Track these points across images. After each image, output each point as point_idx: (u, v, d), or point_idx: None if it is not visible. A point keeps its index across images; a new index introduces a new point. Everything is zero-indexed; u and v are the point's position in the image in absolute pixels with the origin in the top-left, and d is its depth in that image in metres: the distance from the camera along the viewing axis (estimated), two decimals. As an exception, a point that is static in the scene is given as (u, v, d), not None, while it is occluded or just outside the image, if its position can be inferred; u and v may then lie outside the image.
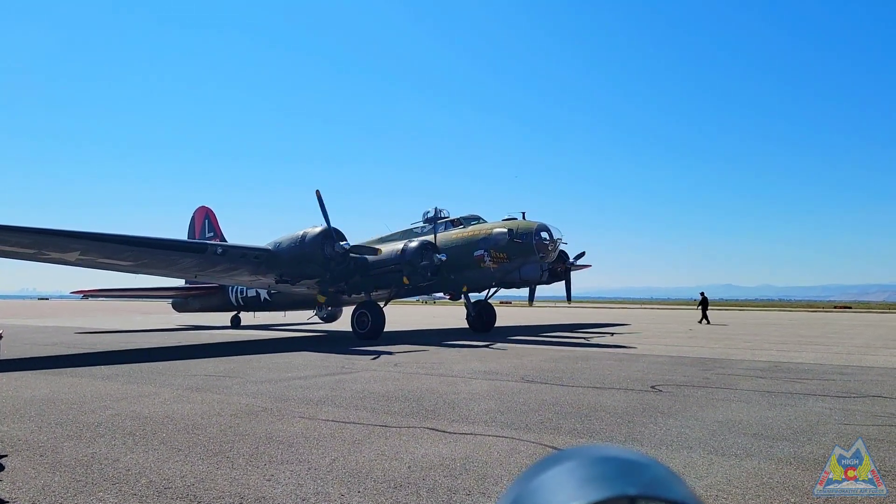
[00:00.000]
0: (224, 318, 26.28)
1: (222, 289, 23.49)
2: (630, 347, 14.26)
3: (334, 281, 17.06)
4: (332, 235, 16.38)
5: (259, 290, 22.12)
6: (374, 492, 3.92)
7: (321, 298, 17.73)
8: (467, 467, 4.43)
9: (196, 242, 16.26)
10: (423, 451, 4.85)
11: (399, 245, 17.34)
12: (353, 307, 17.46)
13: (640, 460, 0.68)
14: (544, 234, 17.67)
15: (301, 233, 16.47)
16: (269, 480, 4.14)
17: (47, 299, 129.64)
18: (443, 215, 19.66)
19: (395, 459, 4.63)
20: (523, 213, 18.57)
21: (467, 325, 20.53)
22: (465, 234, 18.41)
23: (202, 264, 16.08)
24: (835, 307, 69.46)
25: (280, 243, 16.61)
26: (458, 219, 19.39)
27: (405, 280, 16.89)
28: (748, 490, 3.97)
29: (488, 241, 17.76)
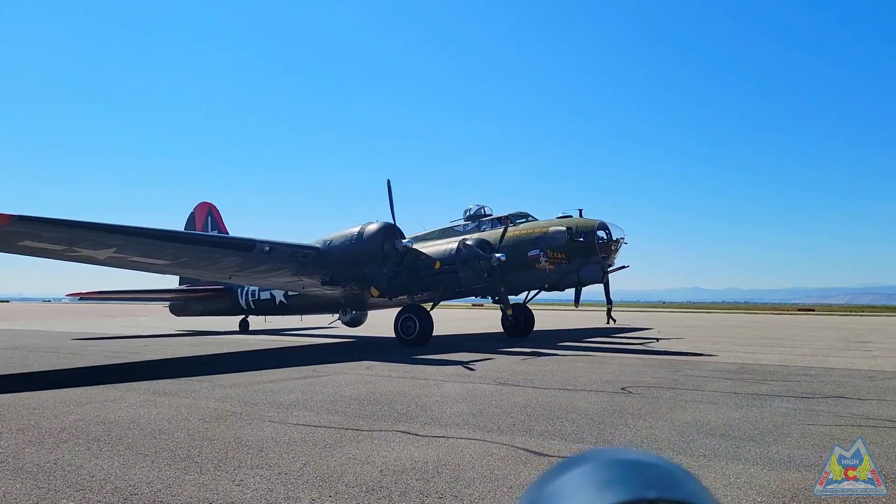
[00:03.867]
0: (227, 322, 24.65)
1: (230, 291, 21.75)
2: (707, 355, 13.03)
3: (390, 282, 15.62)
4: (394, 232, 15.25)
5: (275, 293, 20.54)
6: (346, 496, 3.89)
7: (375, 292, 15.75)
8: (439, 470, 4.42)
9: (244, 239, 14.37)
10: (395, 455, 4.83)
11: (451, 243, 16.04)
12: (398, 311, 15.95)
13: (658, 463, 0.67)
14: (605, 233, 16.60)
15: (357, 229, 15.15)
16: (239, 485, 4.09)
17: (7, 301, 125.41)
18: (486, 212, 18.51)
19: (367, 463, 4.60)
20: (580, 211, 17.31)
21: (502, 329, 19.38)
22: (517, 233, 17.10)
23: (245, 263, 14.74)
24: (798, 310, 70.96)
25: (330, 241, 15.36)
26: (505, 216, 18.02)
27: (461, 280, 15.62)
28: (716, 490, 4.02)
29: (544, 241, 16.56)
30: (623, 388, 8.24)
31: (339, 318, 20.91)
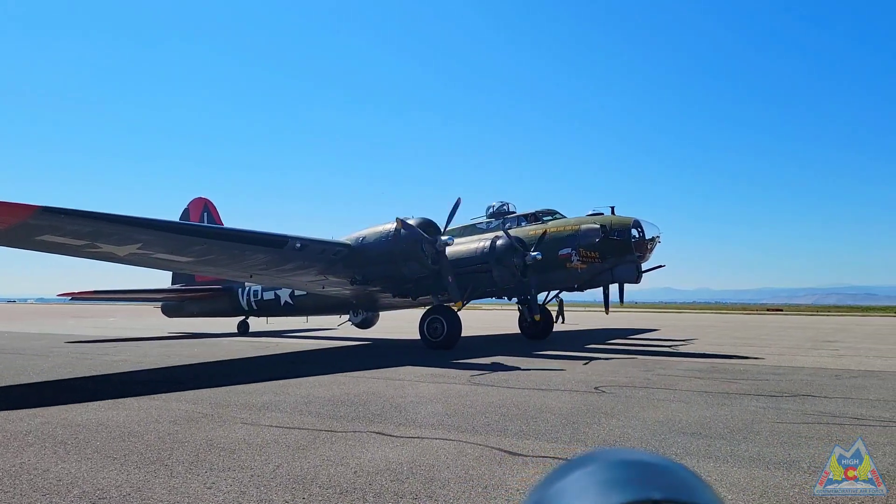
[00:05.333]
0: (222, 323, 23.87)
1: (229, 290, 20.89)
2: (751, 358, 12.66)
3: (430, 282, 14.79)
4: (433, 228, 14.38)
5: (279, 293, 19.59)
6: (320, 498, 3.86)
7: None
8: (414, 471, 4.40)
9: (276, 235, 13.43)
10: (370, 456, 4.80)
11: (483, 241, 15.35)
12: (423, 312, 15.09)
13: (664, 463, 0.67)
14: (639, 231, 15.97)
15: (393, 225, 14.14)
16: (210, 488, 4.03)
17: None
18: (510, 209, 17.80)
19: (341, 465, 4.57)
20: (612, 208, 16.59)
21: (518, 331, 18.74)
22: (547, 231, 16.39)
23: (273, 261, 13.93)
24: (767, 310, 72.21)
25: (363, 238, 14.43)
26: (531, 213, 17.41)
27: (494, 279, 14.95)
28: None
29: (577, 239, 15.89)
30: (596, 388, 8.30)
31: (349, 320, 20.01)
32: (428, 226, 14.28)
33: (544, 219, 17.15)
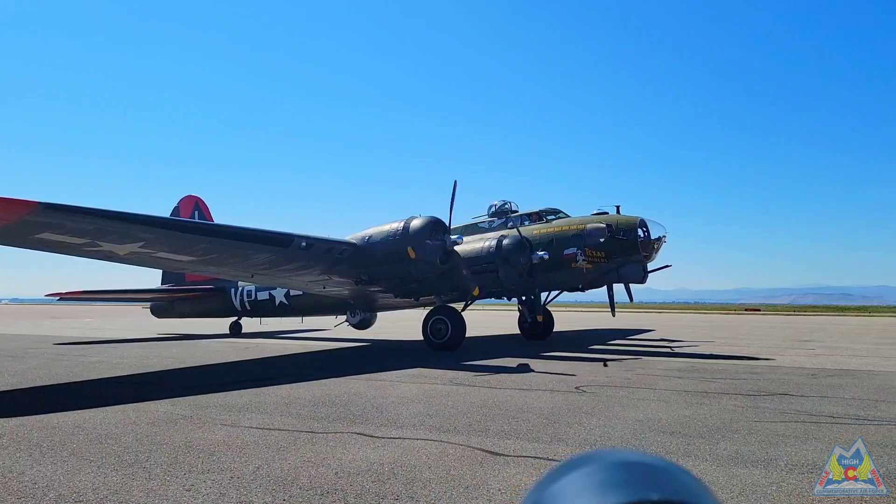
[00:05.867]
0: (213, 324, 23.36)
1: (222, 290, 20.42)
2: (762, 359, 12.52)
3: (432, 281, 14.39)
4: (442, 227, 14.00)
5: (274, 293, 19.15)
6: (300, 499, 3.84)
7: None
8: (395, 472, 4.40)
9: (282, 234, 13.07)
10: (351, 457, 4.79)
11: (489, 240, 15.08)
12: (426, 313, 14.79)
13: (662, 465, 0.67)
14: (644, 231, 15.73)
15: (400, 224, 13.86)
16: (189, 490, 3.99)
17: None
18: (512, 208, 17.47)
19: (322, 466, 4.55)
20: (618, 207, 16.33)
21: (518, 332, 18.43)
22: (551, 230, 16.18)
23: (277, 261, 13.56)
24: (746, 310, 73.03)
25: (369, 237, 14.08)
26: (534, 212, 17.06)
27: (500, 279, 14.62)
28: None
29: (583, 238, 15.63)
30: (577, 388, 8.34)
31: (346, 321, 19.43)
32: (436, 225, 13.94)
33: (548, 218, 16.86)
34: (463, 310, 15.03)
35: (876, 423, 6.16)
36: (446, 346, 14.02)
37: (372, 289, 15.17)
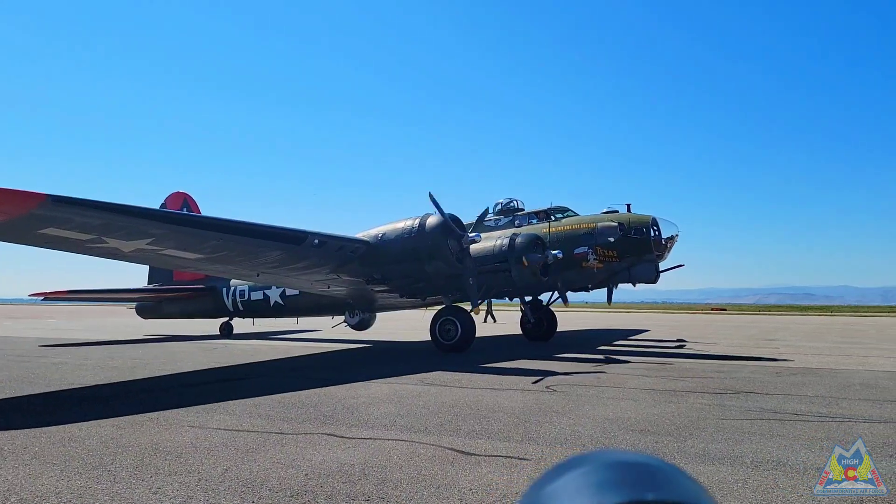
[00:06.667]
0: (202, 324, 22.66)
1: (213, 290, 19.80)
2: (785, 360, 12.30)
3: (441, 281, 13.95)
4: (458, 224, 13.55)
5: (268, 293, 18.58)
6: (270, 501, 3.80)
7: (477, 311, 14.02)
8: (366, 472, 4.37)
9: (296, 231, 12.63)
10: (321, 458, 4.75)
11: (500, 238, 14.68)
12: (434, 313, 14.30)
13: (657, 464, 0.67)
14: (658, 230, 15.42)
15: (416, 221, 13.38)
16: (156, 493, 3.92)
17: None
18: (519, 206, 17.06)
19: (292, 467, 4.51)
20: (628, 206, 16.01)
21: (521, 332, 18.15)
22: (561, 229, 15.77)
23: (287, 259, 13.06)
24: (712, 309, 74.25)
25: (382, 235, 13.59)
26: (542, 211, 16.55)
27: (513, 278, 14.24)
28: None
29: (594, 237, 15.28)
30: (548, 387, 8.40)
31: (344, 321, 18.87)
32: (453, 222, 13.43)
33: (556, 216, 16.43)
34: (472, 310, 14.59)
35: (838, 420, 6.30)
36: (455, 348, 13.63)
37: (377, 288, 14.72)
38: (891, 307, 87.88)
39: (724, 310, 71.57)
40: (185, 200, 21.87)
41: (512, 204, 17.13)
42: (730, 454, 4.89)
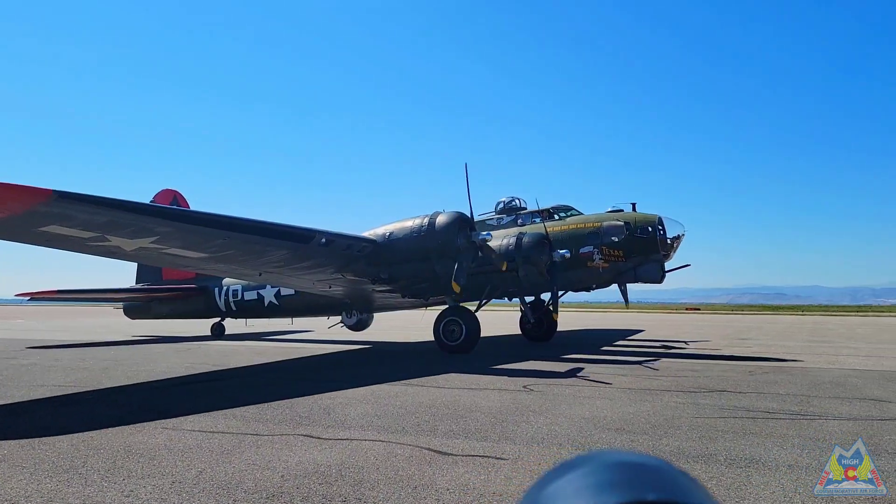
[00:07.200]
0: (194, 325, 22.19)
1: (205, 290, 19.28)
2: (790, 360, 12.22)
3: (446, 280, 13.44)
4: (468, 223, 13.17)
5: (263, 293, 18.08)
6: (245, 503, 3.76)
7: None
8: (343, 473, 4.35)
9: (304, 229, 12.33)
10: (297, 459, 4.72)
11: (507, 238, 14.46)
12: (438, 314, 13.93)
13: (658, 465, 0.67)
14: (663, 229, 15.20)
15: (425, 219, 13.06)
16: (129, 496, 3.86)
17: None
18: (521, 205, 16.74)
19: (268, 468, 4.47)
20: (633, 205, 15.77)
21: (520, 332, 18.04)
22: (565, 228, 15.50)
23: (293, 258, 12.70)
24: (686, 309, 75.13)
25: (390, 233, 13.27)
26: (545, 209, 16.24)
27: (519, 278, 14.03)
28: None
29: (599, 237, 15.09)
30: (525, 386, 8.43)
31: (341, 322, 18.53)
32: (462, 221, 13.12)
33: (560, 215, 16.23)
34: (476, 310, 14.48)
35: (809, 417, 6.41)
36: (460, 349, 13.34)
37: (381, 288, 14.41)
38: (859, 307, 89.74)
39: (698, 309, 72.45)
40: (174, 198, 21.29)
41: (514, 203, 16.84)
42: (704, 452, 4.95)
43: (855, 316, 50.45)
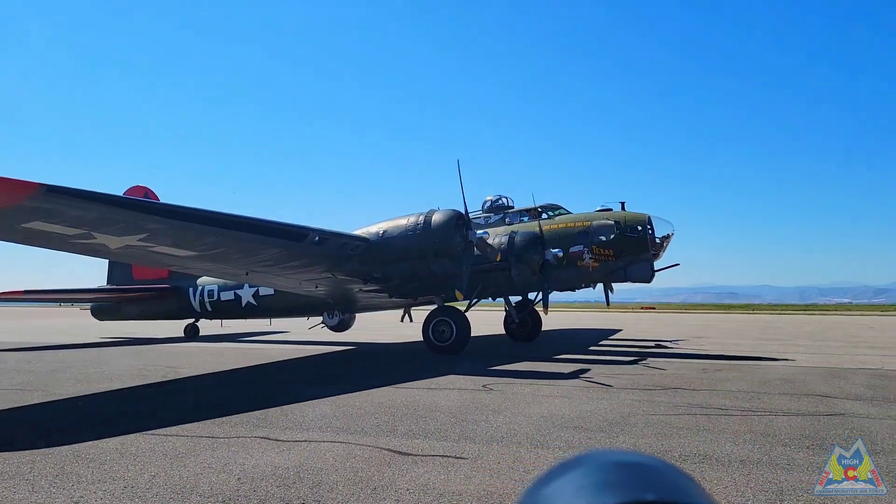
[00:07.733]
0: (168, 326, 21.62)
1: (178, 290, 18.62)
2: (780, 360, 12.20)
3: (435, 280, 13.28)
4: (465, 221, 12.92)
5: (240, 293, 17.53)
6: (200, 507, 3.69)
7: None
8: (301, 475, 4.30)
9: (298, 227, 11.98)
10: (254, 462, 4.64)
11: (499, 236, 14.24)
12: (428, 314, 13.77)
13: (656, 465, 0.67)
14: (653, 228, 15.13)
15: (420, 217, 12.81)
16: (78, 503, 3.75)
17: None
18: (508, 203, 16.49)
19: (224, 472, 4.39)
20: (622, 204, 15.69)
21: (505, 333, 17.78)
22: (555, 227, 15.28)
23: (285, 257, 12.31)
24: (642, 308, 76.48)
25: (384, 232, 12.97)
26: (533, 208, 15.98)
27: (511, 277, 13.82)
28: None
29: (589, 236, 14.92)
30: (484, 386, 8.46)
31: (322, 323, 18.04)
32: (458, 219, 12.88)
33: (548, 213, 16.02)
34: (466, 310, 14.32)
35: (759, 413, 6.59)
36: (449, 349, 13.17)
37: (369, 288, 14.15)
38: (806, 305, 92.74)
39: (653, 308, 73.80)
40: (145, 194, 20.33)
41: (501, 201, 16.66)
42: (659, 448, 5.04)
43: (803, 314, 52.08)
